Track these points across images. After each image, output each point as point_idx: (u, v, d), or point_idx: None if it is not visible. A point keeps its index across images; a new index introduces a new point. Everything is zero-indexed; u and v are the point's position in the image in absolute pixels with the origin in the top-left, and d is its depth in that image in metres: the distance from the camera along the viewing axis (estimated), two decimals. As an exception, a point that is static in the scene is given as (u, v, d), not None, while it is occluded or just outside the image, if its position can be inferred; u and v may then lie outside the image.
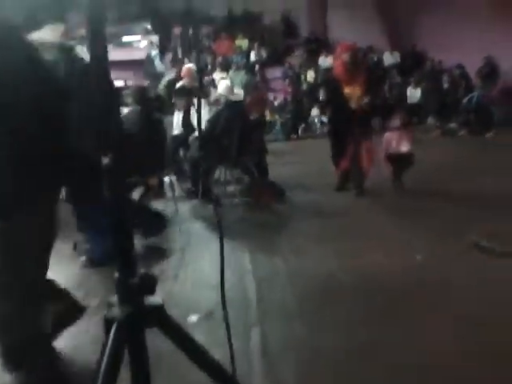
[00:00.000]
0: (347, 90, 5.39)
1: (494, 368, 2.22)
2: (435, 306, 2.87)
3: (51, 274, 2.12)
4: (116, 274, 1.24)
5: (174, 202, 5.38)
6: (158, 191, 5.66)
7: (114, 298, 1.26)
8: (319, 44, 14.20)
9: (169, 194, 5.65)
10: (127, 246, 1.25)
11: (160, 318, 1.28)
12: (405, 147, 5.39)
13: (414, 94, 11.93)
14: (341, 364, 2.35)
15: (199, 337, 2.45)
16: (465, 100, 10.22)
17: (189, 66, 7.79)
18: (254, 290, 3.27)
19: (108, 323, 1.22)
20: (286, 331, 2.73)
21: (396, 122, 5.54)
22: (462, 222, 4.16)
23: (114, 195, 1.23)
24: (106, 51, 1.21)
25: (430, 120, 11.07)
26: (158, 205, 5.54)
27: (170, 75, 9.37)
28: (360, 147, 5.37)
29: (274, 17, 15.72)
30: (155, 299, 1.29)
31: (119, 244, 1.24)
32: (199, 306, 2.93)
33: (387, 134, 5.55)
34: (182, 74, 7.45)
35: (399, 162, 5.41)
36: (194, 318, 2.88)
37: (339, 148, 5.48)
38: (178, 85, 7.37)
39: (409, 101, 11.93)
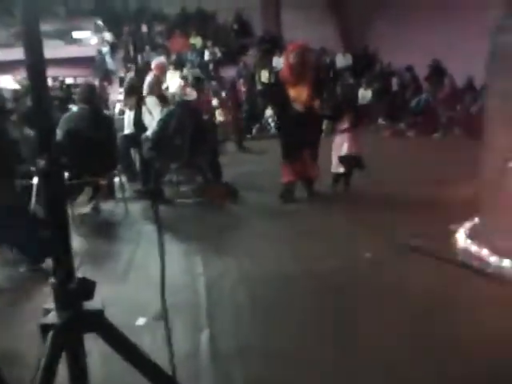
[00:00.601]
0: (293, 92, 5.20)
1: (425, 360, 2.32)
2: (384, 303, 2.96)
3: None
4: (52, 279, 1.21)
5: (124, 202, 5.28)
6: (108, 192, 5.55)
7: (51, 304, 1.23)
8: (273, 44, 14.28)
9: (119, 194, 5.55)
10: (64, 251, 1.22)
11: (99, 323, 1.26)
12: (355, 149, 5.41)
13: (365, 95, 12.20)
14: (291, 366, 2.37)
15: (147, 340, 2.43)
16: (413, 102, 10.56)
17: (159, 60, 7.66)
18: (205, 292, 3.26)
19: (44, 329, 1.18)
20: (235, 334, 2.73)
21: (345, 124, 5.49)
22: (402, 222, 4.24)
23: (51, 199, 1.20)
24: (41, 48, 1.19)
25: (381, 121, 11.37)
26: (107, 205, 5.45)
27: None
28: (307, 151, 5.25)
29: (228, 15, 15.69)
30: (94, 304, 1.26)
31: (56, 249, 1.21)
32: (148, 309, 2.89)
33: (337, 137, 5.53)
34: (153, 68, 7.27)
35: (350, 163, 5.44)
36: (141, 320, 2.84)
37: (288, 151, 5.34)
38: (127, 83, 7.24)
39: (360, 102, 12.19)
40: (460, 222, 3.92)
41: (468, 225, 3.86)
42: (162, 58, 8.09)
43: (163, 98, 6.67)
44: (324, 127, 5.68)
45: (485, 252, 3.35)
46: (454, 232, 3.81)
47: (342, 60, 14.16)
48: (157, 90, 7.02)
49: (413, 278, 3.24)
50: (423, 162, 6.81)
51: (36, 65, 1.22)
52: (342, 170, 5.51)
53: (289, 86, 5.20)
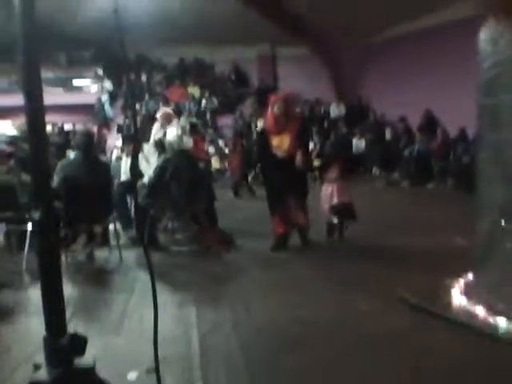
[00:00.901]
0: (275, 141, 5.27)
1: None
2: (376, 356, 2.90)
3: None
4: (44, 335, 1.19)
5: (119, 250, 5.25)
6: (103, 239, 5.52)
7: (41, 359, 1.21)
8: (269, 94, 14.64)
9: (113, 241, 5.51)
10: (57, 305, 1.21)
11: (89, 380, 1.23)
12: (345, 198, 5.37)
13: (359, 144, 12.43)
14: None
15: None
16: (406, 152, 10.73)
17: (166, 110, 7.88)
18: (198, 343, 3.19)
19: (33, 388, 1.16)
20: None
21: (334, 173, 5.48)
22: (393, 277, 4.18)
23: (44, 252, 1.19)
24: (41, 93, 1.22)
25: (375, 170, 11.52)
26: (102, 253, 5.41)
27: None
28: (292, 199, 5.23)
29: (225, 66, 16.14)
30: (85, 361, 1.24)
31: (48, 303, 1.20)
32: (141, 361, 2.82)
33: (326, 186, 5.50)
34: (159, 116, 7.41)
35: (342, 212, 5.38)
36: (133, 375, 2.76)
37: (273, 200, 5.34)
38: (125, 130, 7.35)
39: (354, 151, 12.40)
40: (456, 276, 3.87)
41: (463, 280, 3.79)
42: (168, 109, 8.32)
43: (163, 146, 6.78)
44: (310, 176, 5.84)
45: (480, 310, 3.29)
46: (450, 287, 3.75)
47: (335, 110, 14.50)
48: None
49: (406, 333, 3.19)
50: (417, 213, 6.86)
51: (35, 111, 1.24)
52: (335, 220, 5.45)
53: (272, 135, 5.31)
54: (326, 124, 13.75)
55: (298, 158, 5.15)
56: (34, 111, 1.25)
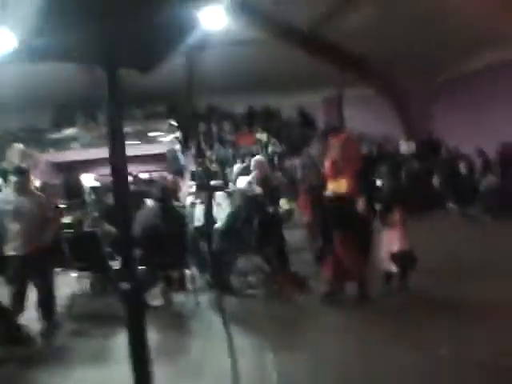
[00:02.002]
0: (331, 185, 4.99)
1: None
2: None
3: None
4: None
5: (195, 294, 5.39)
6: (180, 284, 5.72)
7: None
8: (336, 133, 14.69)
9: (190, 286, 5.69)
10: (142, 354, 1.30)
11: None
12: (407, 245, 4.96)
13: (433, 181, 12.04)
14: None
15: None
16: (483, 186, 10.26)
17: (258, 157, 8.02)
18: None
19: None
20: None
21: (396, 217, 5.07)
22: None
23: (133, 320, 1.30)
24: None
25: (450, 205, 11.07)
26: (179, 297, 5.58)
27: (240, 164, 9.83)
28: (348, 248, 4.84)
29: (291, 111, 16.49)
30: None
31: (133, 352, 1.30)
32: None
33: (386, 231, 5.12)
34: (253, 166, 7.55)
35: (404, 261, 4.98)
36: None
37: (324, 248, 5.20)
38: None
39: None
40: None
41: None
42: (260, 157, 8.26)
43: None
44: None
45: None
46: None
47: (405, 147, 14.23)
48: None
49: None
50: (500, 253, 6.24)
51: (118, 163, 1.36)
52: (394, 268, 5.03)
53: (329, 179, 5.04)
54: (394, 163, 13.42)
55: (360, 203, 4.78)
56: (118, 163, 1.36)
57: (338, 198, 4.90)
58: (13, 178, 4.71)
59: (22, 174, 4.74)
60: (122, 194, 1.36)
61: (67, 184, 7.68)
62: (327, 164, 5.19)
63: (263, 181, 6.61)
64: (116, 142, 1.37)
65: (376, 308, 4.74)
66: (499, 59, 11.39)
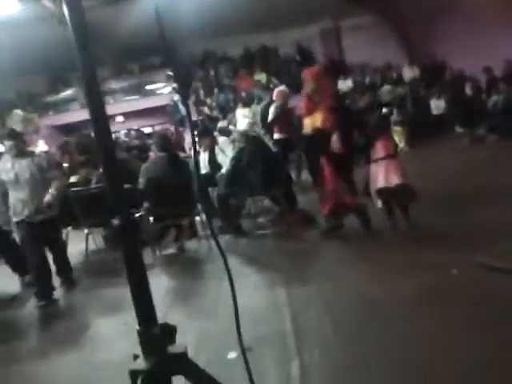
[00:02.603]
0: (307, 121, 4.91)
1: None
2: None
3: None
4: (137, 327, 1.31)
5: (207, 239, 5.46)
6: (191, 231, 5.79)
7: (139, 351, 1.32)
8: (336, 68, 14.33)
9: (201, 232, 5.76)
10: (145, 299, 1.31)
11: (184, 365, 1.33)
12: (395, 179, 4.61)
13: (438, 105, 11.80)
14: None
15: (239, 372, 2.48)
16: (490, 105, 10.03)
17: (281, 88, 8.13)
18: (291, 322, 3.28)
19: (134, 375, 1.27)
20: (325, 361, 2.71)
21: (380, 151, 4.74)
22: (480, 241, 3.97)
23: (127, 253, 1.30)
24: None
25: (458, 129, 10.89)
26: (192, 244, 5.67)
27: (265, 99, 9.84)
28: (331, 175, 4.76)
29: (289, 48, 16.01)
30: (178, 347, 1.34)
31: (139, 299, 1.31)
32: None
33: (372, 167, 4.82)
34: (275, 97, 7.74)
35: (394, 197, 4.72)
36: (233, 354, 2.90)
37: (313, 177, 5.12)
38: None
39: (434, 112, 11.82)
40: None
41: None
42: (283, 87, 8.40)
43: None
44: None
45: None
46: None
47: (409, 73, 13.85)
48: (283, 117, 7.51)
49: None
50: (505, 171, 6.21)
51: (101, 123, 1.32)
52: (379, 205, 4.82)
53: (305, 115, 4.96)
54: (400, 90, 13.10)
55: (335, 139, 4.65)
56: (100, 123, 1.32)
57: (315, 133, 4.80)
58: (8, 143, 4.64)
59: (16, 137, 4.66)
60: (109, 155, 1.32)
61: (80, 141, 7.66)
62: (303, 100, 5.08)
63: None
64: (95, 101, 1.31)
65: (381, 239, 4.73)
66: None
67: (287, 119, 7.81)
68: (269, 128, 7.76)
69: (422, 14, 13.44)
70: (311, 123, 4.86)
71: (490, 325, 2.73)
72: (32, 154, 4.80)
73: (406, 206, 4.77)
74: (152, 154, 7.08)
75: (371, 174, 4.80)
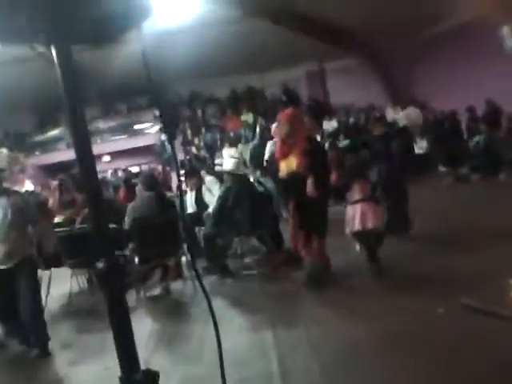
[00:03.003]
0: (283, 164, 4.81)
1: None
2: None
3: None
4: (119, 373, 1.27)
5: (193, 280, 5.38)
6: (177, 272, 5.71)
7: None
8: (321, 109, 14.62)
9: (187, 273, 5.68)
10: (128, 345, 1.28)
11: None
12: (371, 223, 4.57)
13: (421, 144, 12.04)
14: None
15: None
16: (472, 143, 10.25)
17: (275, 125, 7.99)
18: (277, 364, 3.21)
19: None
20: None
21: (356, 193, 4.69)
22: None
23: (111, 297, 1.28)
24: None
25: (441, 168, 11.08)
26: (177, 285, 5.58)
27: (255, 141, 10.19)
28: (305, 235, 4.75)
29: (275, 89, 16.37)
30: (160, 393, 1.30)
31: (121, 344, 1.28)
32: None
33: (348, 208, 4.74)
34: (273, 133, 7.58)
35: (367, 240, 4.68)
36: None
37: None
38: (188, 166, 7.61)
39: (417, 151, 12.02)
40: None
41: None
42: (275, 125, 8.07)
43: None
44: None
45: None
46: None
47: (391, 113, 14.18)
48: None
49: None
50: (489, 209, 6.38)
51: (86, 160, 1.32)
52: (357, 247, 4.75)
53: (280, 159, 4.88)
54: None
55: (309, 183, 4.56)
56: (86, 162, 1.33)
57: (289, 177, 4.75)
58: None
59: None
60: (94, 195, 1.32)
61: (75, 178, 7.62)
62: (277, 143, 5.03)
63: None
64: (81, 139, 1.32)
65: (366, 282, 4.62)
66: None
67: None
68: (266, 166, 7.71)
69: (405, 55, 13.93)
70: (286, 167, 4.79)
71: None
72: (10, 192, 4.41)
73: (374, 250, 4.68)
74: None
75: (347, 216, 4.74)
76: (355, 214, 4.63)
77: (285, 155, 4.80)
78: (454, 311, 3.46)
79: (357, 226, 4.61)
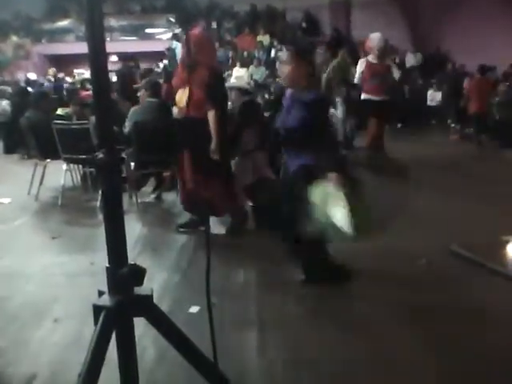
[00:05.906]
0: (177, 97, 4.09)
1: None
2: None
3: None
4: (107, 265, 1.30)
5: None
6: (171, 183, 5.74)
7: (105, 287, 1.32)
8: (342, 41, 14.09)
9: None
10: (118, 238, 1.30)
11: (147, 308, 1.33)
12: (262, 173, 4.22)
13: (434, 96, 11.76)
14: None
15: (200, 327, 2.50)
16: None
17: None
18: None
19: (97, 310, 1.27)
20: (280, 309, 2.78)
21: (250, 144, 4.22)
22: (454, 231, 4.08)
23: (108, 190, 1.28)
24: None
25: (450, 123, 10.91)
26: (170, 196, 5.64)
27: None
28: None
29: (297, 14, 15.67)
30: (144, 289, 1.34)
31: (110, 236, 1.29)
32: (203, 297, 2.96)
33: (238, 160, 4.33)
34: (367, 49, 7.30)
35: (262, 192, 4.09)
36: (195, 308, 2.94)
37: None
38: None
39: (429, 103, 11.79)
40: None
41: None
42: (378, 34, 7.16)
43: None
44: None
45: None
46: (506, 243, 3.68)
47: (412, 59, 13.75)
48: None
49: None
50: (487, 171, 6.43)
51: (98, 57, 1.28)
52: (249, 204, 4.38)
53: (177, 87, 4.10)
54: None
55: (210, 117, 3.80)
56: (97, 57, 1.29)
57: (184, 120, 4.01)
58: None
59: None
60: (101, 87, 1.28)
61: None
62: (179, 68, 4.21)
63: None
64: (95, 33, 1.26)
65: None
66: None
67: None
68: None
69: (433, 6, 13.28)
70: (178, 101, 4.03)
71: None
72: None
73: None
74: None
75: (236, 168, 4.27)
76: (247, 166, 4.23)
77: (181, 84, 4.00)
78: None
79: (250, 178, 4.23)
